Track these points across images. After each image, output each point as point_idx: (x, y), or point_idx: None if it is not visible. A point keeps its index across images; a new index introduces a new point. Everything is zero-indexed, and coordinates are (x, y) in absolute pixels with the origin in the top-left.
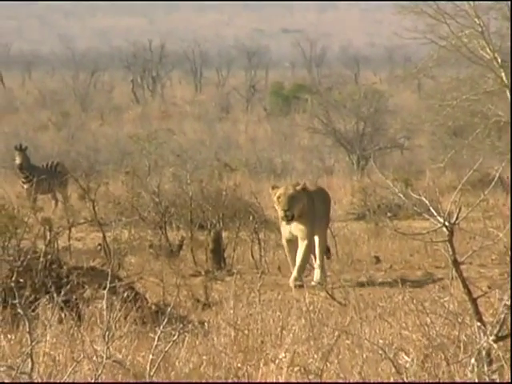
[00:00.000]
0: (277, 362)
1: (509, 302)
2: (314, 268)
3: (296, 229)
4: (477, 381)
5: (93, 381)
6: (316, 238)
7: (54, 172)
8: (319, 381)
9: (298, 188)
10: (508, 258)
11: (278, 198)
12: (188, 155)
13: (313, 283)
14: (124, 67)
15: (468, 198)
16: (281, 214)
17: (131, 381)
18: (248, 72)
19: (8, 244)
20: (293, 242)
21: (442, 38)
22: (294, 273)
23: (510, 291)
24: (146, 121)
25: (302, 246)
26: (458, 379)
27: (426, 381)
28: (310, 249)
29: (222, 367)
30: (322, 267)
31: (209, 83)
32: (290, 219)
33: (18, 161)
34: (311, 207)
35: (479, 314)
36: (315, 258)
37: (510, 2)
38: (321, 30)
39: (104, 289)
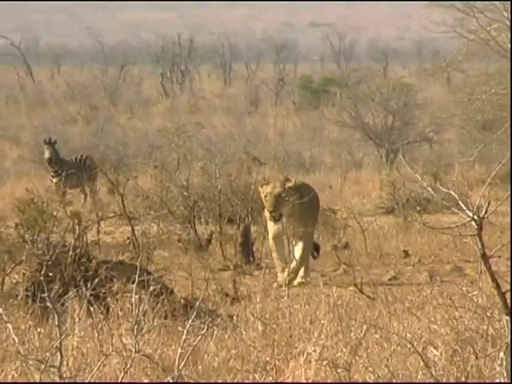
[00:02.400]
0: (305, 355)
1: None
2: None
3: (288, 229)
4: (505, 374)
5: (121, 374)
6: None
7: (83, 166)
8: (348, 375)
9: (287, 186)
10: None
11: (265, 197)
12: (217, 149)
13: (297, 281)
14: (153, 61)
15: (497, 192)
16: (267, 215)
17: (160, 375)
18: (277, 65)
19: (37, 238)
20: (280, 239)
21: (470, 32)
22: (298, 272)
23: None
24: (175, 114)
25: (299, 245)
26: (486, 373)
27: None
28: (308, 248)
29: (250, 361)
30: (306, 264)
31: (238, 77)
32: (277, 219)
33: (46, 155)
34: (301, 205)
35: (508, 308)
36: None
37: (510, 2)
38: (350, 24)
39: (133, 283)
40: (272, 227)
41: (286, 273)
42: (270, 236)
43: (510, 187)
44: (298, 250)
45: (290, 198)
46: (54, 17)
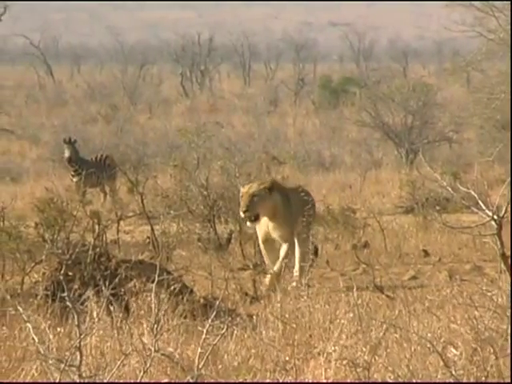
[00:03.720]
0: (325, 355)
1: None
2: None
3: (273, 231)
4: None
5: (141, 374)
6: (295, 240)
7: (102, 165)
8: (367, 374)
9: (262, 186)
10: None
11: (241, 196)
12: (236, 148)
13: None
14: (173, 60)
15: None
16: (240, 214)
17: (179, 374)
18: (296, 65)
19: (57, 237)
20: (270, 243)
21: (490, 32)
22: (297, 276)
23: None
24: (195, 114)
25: (284, 249)
26: (506, 373)
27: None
28: (294, 249)
29: (270, 360)
30: (302, 270)
31: (257, 76)
32: (252, 220)
33: (66, 154)
34: (287, 206)
35: None
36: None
37: (510, 2)
38: (369, 23)
39: (152, 282)
40: (261, 230)
41: (267, 278)
42: (260, 240)
43: (510, 187)
44: (282, 251)
45: (264, 199)
46: (73, 16)
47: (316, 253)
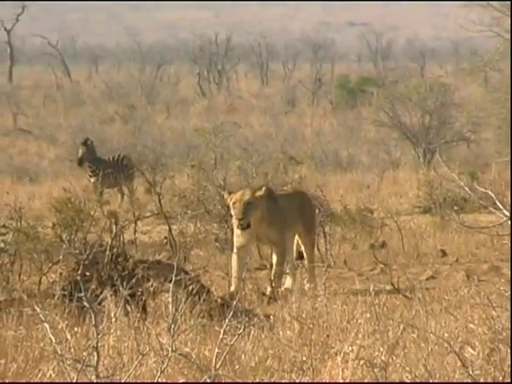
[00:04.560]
0: (342, 355)
1: None
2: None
3: (265, 237)
4: None
5: (158, 374)
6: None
7: (120, 165)
8: (385, 374)
9: (257, 194)
10: None
11: (234, 204)
12: (254, 148)
13: (283, 288)
14: (190, 60)
15: None
16: (235, 222)
17: (196, 374)
18: (314, 65)
19: (74, 237)
20: (246, 249)
21: (507, 31)
22: (280, 280)
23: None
24: (212, 114)
25: (276, 253)
26: None
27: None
28: (284, 256)
29: (287, 361)
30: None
31: (275, 76)
32: (244, 227)
33: (78, 154)
34: (279, 213)
35: None
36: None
37: (510, 2)
38: (387, 23)
39: (170, 282)
40: (239, 236)
41: (232, 286)
42: (236, 244)
43: (510, 187)
44: (274, 257)
45: (258, 207)
46: (91, 16)
47: (301, 257)
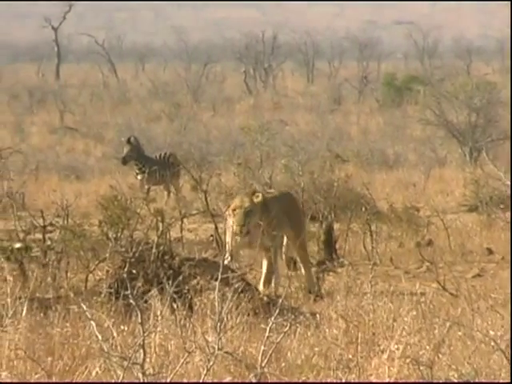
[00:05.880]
0: (388, 353)
1: None
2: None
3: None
4: None
5: (204, 372)
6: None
7: (166, 163)
8: (430, 372)
9: (256, 200)
10: None
11: (234, 210)
12: (300, 146)
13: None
14: (236, 58)
15: None
16: (236, 229)
17: (242, 372)
18: (360, 63)
19: (121, 235)
20: (237, 255)
21: None
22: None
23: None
24: (258, 112)
25: (267, 258)
26: None
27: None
28: (275, 263)
29: (333, 359)
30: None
31: (321, 74)
32: (244, 235)
33: (123, 153)
34: (269, 217)
35: None
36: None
37: (510, 2)
38: (433, 22)
39: (216, 280)
40: (232, 241)
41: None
42: (229, 249)
43: (510, 187)
44: (267, 261)
45: (256, 214)
46: (138, 15)
47: (294, 265)
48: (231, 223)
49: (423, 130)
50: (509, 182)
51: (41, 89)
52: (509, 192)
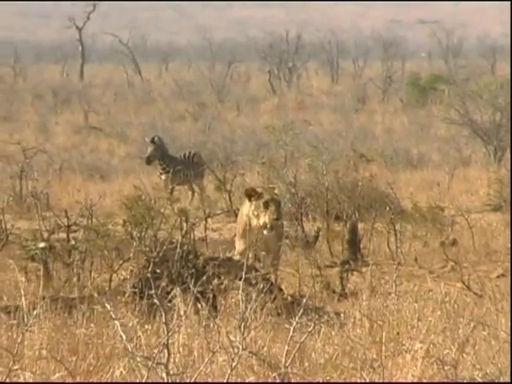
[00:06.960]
0: (412, 353)
1: None
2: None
3: (268, 240)
4: None
5: (228, 371)
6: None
7: (190, 163)
8: (455, 372)
9: (276, 192)
10: None
11: (266, 203)
12: (324, 146)
13: None
14: (260, 58)
15: None
16: (273, 223)
17: (266, 372)
18: (384, 63)
19: (145, 235)
20: (244, 256)
21: None
22: None
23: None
24: (283, 111)
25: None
26: None
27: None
28: (277, 266)
29: (357, 358)
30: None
31: (345, 74)
32: (273, 229)
33: (147, 153)
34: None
35: None
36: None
37: (510, 2)
38: (457, 21)
39: (240, 280)
40: (241, 242)
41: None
42: (242, 250)
43: (510, 189)
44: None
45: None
46: (162, 14)
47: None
48: (262, 216)
49: (447, 130)
50: None
51: (65, 88)
52: None
